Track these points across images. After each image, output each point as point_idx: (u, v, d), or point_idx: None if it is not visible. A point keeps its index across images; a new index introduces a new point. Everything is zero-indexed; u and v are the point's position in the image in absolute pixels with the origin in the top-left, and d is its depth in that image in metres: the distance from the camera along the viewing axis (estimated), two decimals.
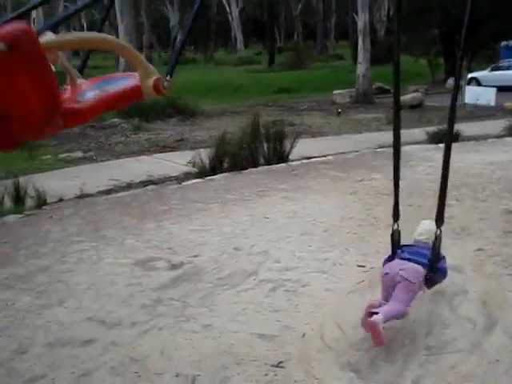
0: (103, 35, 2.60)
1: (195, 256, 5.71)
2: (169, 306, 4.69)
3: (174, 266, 5.48)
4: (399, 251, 4.14)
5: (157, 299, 4.80)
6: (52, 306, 4.75)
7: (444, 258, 4.16)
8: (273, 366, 3.78)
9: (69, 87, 2.80)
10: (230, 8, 52.38)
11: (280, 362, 3.82)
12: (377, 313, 3.74)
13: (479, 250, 5.57)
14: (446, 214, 6.29)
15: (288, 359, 3.85)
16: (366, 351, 3.89)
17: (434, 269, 4.02)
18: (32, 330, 4.36)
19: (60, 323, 4.46)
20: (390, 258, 4.16)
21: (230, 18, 53.81)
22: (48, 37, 2.33)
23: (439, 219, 4.04)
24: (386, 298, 3.99)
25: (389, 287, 3.98)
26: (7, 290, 5.12)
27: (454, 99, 4.18)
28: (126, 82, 2.78)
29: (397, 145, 4.19)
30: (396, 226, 4.20)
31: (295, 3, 60.66)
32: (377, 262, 5.34)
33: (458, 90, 4.16)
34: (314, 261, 5.47)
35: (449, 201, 6.90)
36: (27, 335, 4.29)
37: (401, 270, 3.92)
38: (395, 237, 4.17)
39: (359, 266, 5.32)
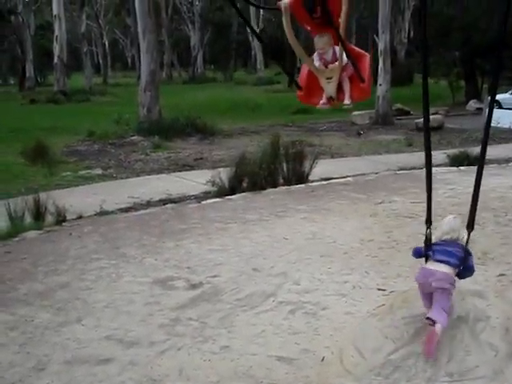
0: None
1: (214, 276, 5.69)
2: (187, 326, 4.66)
3: (193, 286, 5.46)
4: (430, 253, 4.34)
5: (175, 319, 4.78)
6: (70, 324, 4.75)
7: (471, 255, 4.40)
8: None
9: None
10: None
11: None
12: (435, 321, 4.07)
13: (501, 275, 5.48)
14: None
15: (307, 383, 3.81)
16: (385, 376, 3.84)
17: (464, 266, 4.30)
18: (50, 347, 4.37)
19: (78, 341, 4.46)
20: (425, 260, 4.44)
21: (250, 38, 54.15)
22: None
23: (470, 224, 4.33)
24: (426, 304, 4.35)
25: (425, 295, 4.33)
26: (26, 306, 5.13)
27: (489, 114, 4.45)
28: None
29: (428, 151, 4.30)
30: (428, 231, 4.36)
31: None
32: (397, 285, 5.31)
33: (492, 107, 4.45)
34: (333, 283, 5.43)
35: None
36: (45, 352, 4.29)
37: (433, 281, 4.18)
38: (427, 242, 4.37)
39: (379, 289, 5.26)
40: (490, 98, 4.56)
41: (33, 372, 4.04)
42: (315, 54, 4.15)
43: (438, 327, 4.03)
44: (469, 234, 4.32)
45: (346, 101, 4.16)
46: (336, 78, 4.12)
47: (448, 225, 4.43)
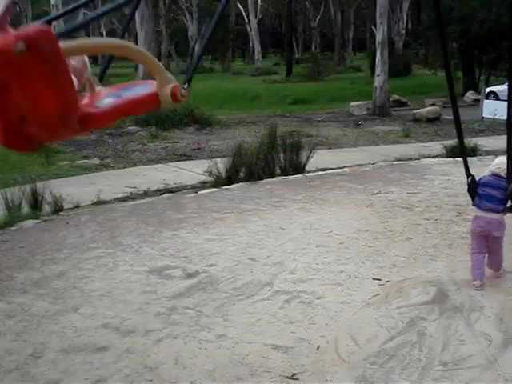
0: (124, 42, 2.61)
1: (211, 265, 5.72)
2: (184, 314, 4.69)
3: (190, 275, 5.48)
4: (480, 188, 5.04)
5: (172, 307, 4.80)
6: (67, 312, 4.77)
7: None
8: (287, 377, 3.77)
9: (87, 93, 2.83)
10: (248, 18, 52.56)
11: (294, 374, 3.80)
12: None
13: None
14: (463, 229, 6.29)
15: (302, 371, 3.84)
16: (380, 365, 3.87)
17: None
18: (47, 336, 4.38)
19: (75, 329, 4.48)
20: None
21: (248, 29, 54.01)
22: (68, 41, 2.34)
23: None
24: (479, 243, 5.08)
25: (481, 238, 5.06)
26: (23, 294, 5.14)
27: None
28: (143, 88, 2.81)
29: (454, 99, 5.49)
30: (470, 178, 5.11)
31: (313, 15, 60.78)
32: (392, 275, 5.34)
33: None
34: (329, 273, 5.45)
35: (466, 215, 6.91)
36: (42, 340, 4.31)
37: (492, 229, 4.97)
38: (472, 187, 5.10)
39: (375, 279, 5.29)
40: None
41: (30, 360, 4.05)
42: None
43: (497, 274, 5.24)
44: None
45: None
46: None
47: (499, 159, 5.10)
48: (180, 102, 2.78)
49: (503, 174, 4.97)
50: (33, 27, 2.12)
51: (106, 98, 2.76)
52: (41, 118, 2.22)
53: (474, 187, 5.07)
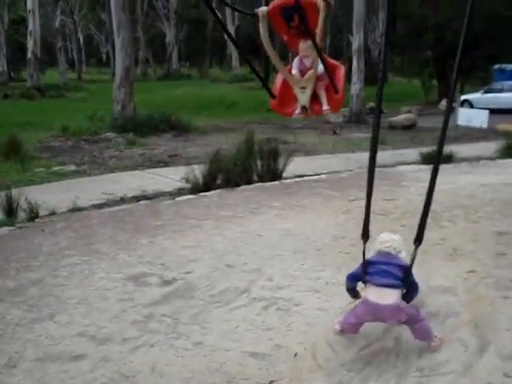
0: None
1: (188, 272, 5.70)
2: (160, 322, 4.66)
3: (167, 282, 5.46)
4: (370, 266, 4.09)
5: (148, 315, 4.77)
6: (43, 320, 4.72)
7: (411, 271, 4.06)
8: None
9: None
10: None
11: (272, 382, 3.80)
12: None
13: (471, 271, 5.56)
14: (439, 235, 6.34)
15: (280, 378, 3.83)
16: (357, 371, 3.88)
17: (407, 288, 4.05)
18: (22, 344, 4.33)
19: (50, 338, 4.43)
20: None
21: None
22: None
23: (418, 238, 4.11)
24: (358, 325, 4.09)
25: (370, 319, 4.03)
26: None
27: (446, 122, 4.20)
28: None
29: (372, 165, 4.37)
30: (365, 246, 4.26)
31: None
32: None
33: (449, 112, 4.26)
34: (306, 279, 5.46)
35: (441, 222, 6.98)
36: (17, 349, 4.26)
37: (387, 318, 3.93)
38: (365, 260, 4.20)
39: None
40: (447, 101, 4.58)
41: (4, 369, 4.00)
42: (296, 59, 4.17)
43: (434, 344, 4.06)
44: (416, 249, 4.06)
45: (325, 107, 4.18)
46: (310, 88, 4.14)
47: (386, 236, 4.20)
48: None
49: (394, 252, 4.08)
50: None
51: None
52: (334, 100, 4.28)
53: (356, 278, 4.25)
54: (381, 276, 3.96)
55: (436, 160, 4.31)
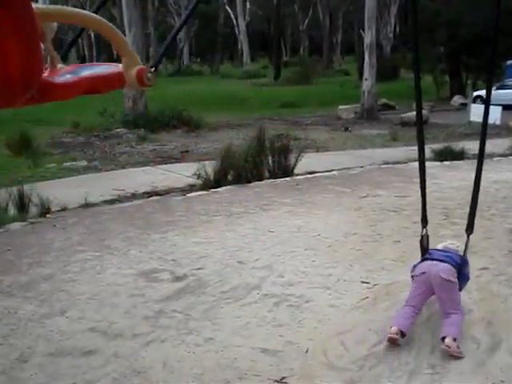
0: (98, 17, 2.59)
1: (199, 268, 5.70)
2: (171, 318, 4.66)
3: (178, 278, 5.46)
4: (428, 254, 4.36)
5: (159, 311, 4.78)
6: (54, 316, 4.73)
7: (468, 264, 4.40)
8: (275, 381, 3.76)
9: (48, 68, 2.77)
10: (237, 21, 52.61)
11: (283, 378, 3.79)
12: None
13: (484, 268, 5.53)
14: (451, 232, 6.31)
15: (291, 375, 3.82)
16: (369, 368, 3.86)
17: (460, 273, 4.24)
18: (34, 339, 4.35)
19: (62, 333, 4.44)
20: (421, 261, 4.37)
21: (236, 32, 54.07)
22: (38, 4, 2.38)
23: (469, 227, 4.36)
24: (417, 296, 4.23)
25: (425, 286, 4.20)
26: (9, 297, 5.10)
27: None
28: (107, 68, 2.77)
29: (421, 147, 4.63)
30: (425, 231, 4.44)
31: (302, 18, 60.95)
32: (381, 278, 5.34)
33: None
34: (317, 276, 5.45)
35: (453, 219, 6.93)
36: (29, 344, 4.28)
37: (440, 271, 4.12)
38: (424, 242, 4.44)
39: (363, 282, 5.29)
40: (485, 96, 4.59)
41: (16, 364, 4.02)
42: None
43: (448, 341, 3.93)
44: (468, 238, 4.35)
45: None
46: None
47: (445, 243, 4.55)
48: (145, 87, 2.71)
49: (454, 247, 4.46)
50: None
51: (67, 74, 2.65)
52: (2, 73, 2.04)
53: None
54: (439, 255, 4.27)
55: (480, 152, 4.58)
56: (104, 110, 18.96)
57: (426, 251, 4.41)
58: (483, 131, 4.38)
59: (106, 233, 6.91)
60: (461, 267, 4.22)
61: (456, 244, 4.53)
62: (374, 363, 3.91)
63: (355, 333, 4.30)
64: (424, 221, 4.47)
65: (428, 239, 4.45)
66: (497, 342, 4.15)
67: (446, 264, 4.15)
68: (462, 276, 4.29)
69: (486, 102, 4.47)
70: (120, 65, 2.63)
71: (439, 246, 4.52)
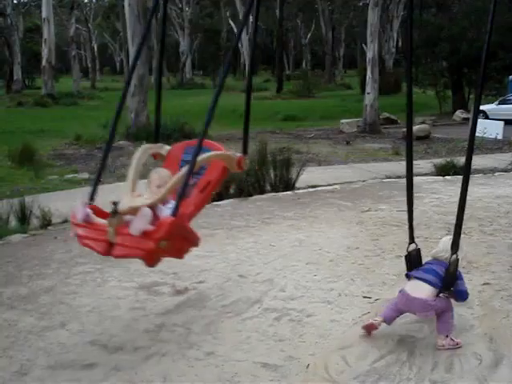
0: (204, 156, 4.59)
1: (200, 282, 5.68)
2: (172, 331, 4.65)
3: (179, 292, 5.44)
4: (413, 272, 4.46)
5: (160, 324, 4.76)
6: (54, 328, 4.71)
7: (461, 279, 4.42)
8: None
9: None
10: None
11: None
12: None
13: (486, 284, 5.52)
14: None
15: None
16: None
17: (450, 288, 4.30)
18: (34, 352, 4.33)
19: (62, 346, 4.43)
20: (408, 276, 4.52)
21: (239, 45, 54.25)
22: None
23: (454, 245, 4.26)
24: (393, 313, 4.41)
25: (403, 309, 4.39)
26: (10, 309, 5.09)
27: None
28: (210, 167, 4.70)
29: (409, 166, 4.81)
30: (411, 247, 4.59)
31: (305, 32, 61.23)
32: (382, 293, 5.33)
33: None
34: (319, 291, 5.43)
35: None
36: (29, 357, 4.26)
37: (416, 310, 4.32)
38: (411, 258, 4.58)
39: (365, 297, 5.27)
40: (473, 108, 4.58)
41: (15, 376, 4.00)
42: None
43: (441, 342, 4.25)
44: (451, 256, 4.22)
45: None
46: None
47: (443, 244, 4.45)
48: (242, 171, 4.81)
49: (445, 260, 4.31)
50: (164, 225, 3.88)
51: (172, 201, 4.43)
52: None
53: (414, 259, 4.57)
54: (423, 271, 4.35)
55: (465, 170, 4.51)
56: (106, 122, 19.00)
57: (412, 266, 4.53)
58: (469, 148, 4.31)
59: None
60: (446, 278, 4.24)
61: (447, 251, 4.32)
62: (375, 379, 3.89)
63: (357, 348, 4.28)
64: (411, 237, 4.68)
65: (418, 253, 4.60)
66: (499, 358, 4.13)
67: (421, 299, 4.22)
68: (458, 292, 4.37)
69: (473, 119, 4.44)
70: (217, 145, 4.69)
71: (435, 251, 4.49)
